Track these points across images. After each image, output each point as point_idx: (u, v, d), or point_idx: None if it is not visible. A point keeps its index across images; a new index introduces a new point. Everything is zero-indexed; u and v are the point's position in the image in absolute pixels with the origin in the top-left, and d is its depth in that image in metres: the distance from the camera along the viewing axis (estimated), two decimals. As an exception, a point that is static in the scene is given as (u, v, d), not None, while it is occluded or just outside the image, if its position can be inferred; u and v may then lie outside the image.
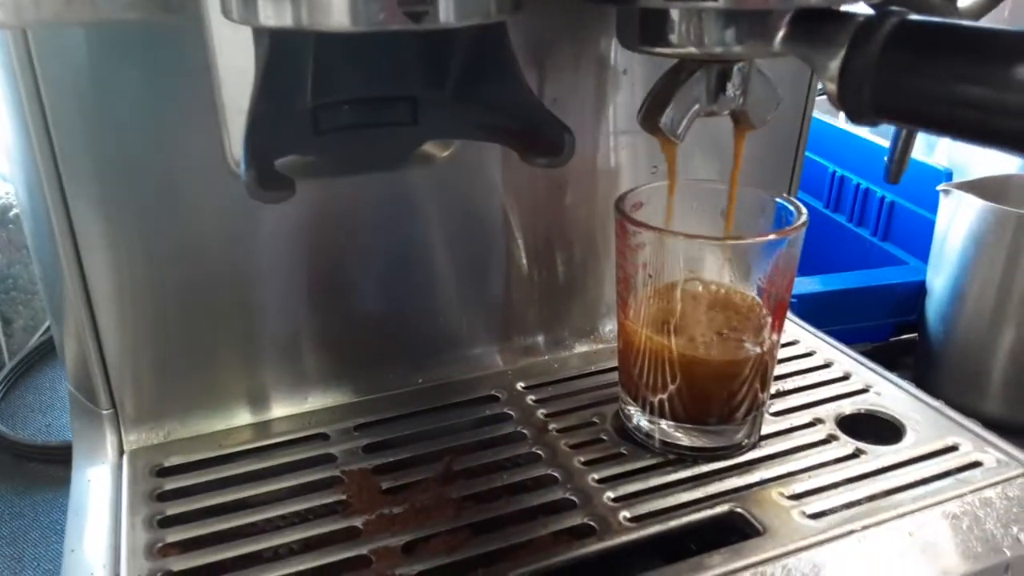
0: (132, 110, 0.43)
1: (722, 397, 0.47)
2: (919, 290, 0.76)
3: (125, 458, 0.49)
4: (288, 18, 0.31)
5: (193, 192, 0.46)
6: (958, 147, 0.89)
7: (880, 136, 0.90)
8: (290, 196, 0.35)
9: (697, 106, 0.42)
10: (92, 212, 0.45)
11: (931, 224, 0.74)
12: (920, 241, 0.81)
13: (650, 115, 0.42)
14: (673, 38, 0.39)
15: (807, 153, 0.86)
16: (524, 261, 0.57)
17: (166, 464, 0.48)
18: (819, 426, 0.51)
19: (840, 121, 0.96)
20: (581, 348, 0.60)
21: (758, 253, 0.46)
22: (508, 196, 0.54)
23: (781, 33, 0.36)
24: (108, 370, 0.48)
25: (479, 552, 0.41)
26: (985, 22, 0.32)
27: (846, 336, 0.63)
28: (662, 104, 0.41)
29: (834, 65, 0.33)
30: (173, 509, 0.44)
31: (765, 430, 0.50)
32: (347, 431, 0.51)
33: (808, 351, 0.60)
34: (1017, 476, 0.46)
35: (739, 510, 0.44)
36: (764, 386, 0.48)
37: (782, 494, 0.45)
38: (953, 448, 0.49)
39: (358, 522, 0.43)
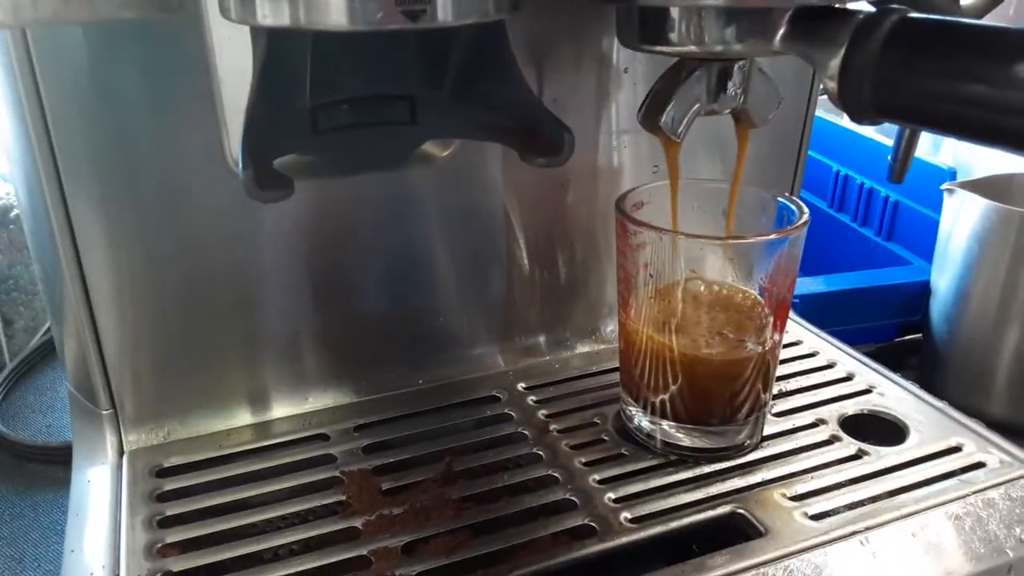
0: (131, 110, 0.43)
1: (724, 397, 0.47)
2: (923, 290, 0.75)
3: (125, 458, 0.49)
4: (286, 17, 0.31)
5: (192, 192, 0.46)
6: (963, 146, 0.89)
7: (884, 135, 0.90)
8: (288, 196, 0.35)
9: (698, 105, 0.42)
10: (91, 212, 0.45)
11: (936, 224, 0.73)
12: (924, 241, 0.80)
13: (650, 114, 0.42)
14: (673, 37, 0.39)
15: (810, 152, 0.86)
16: (525, 261, 0.57)
17: (166, 464, 0.48)
18: (822, 427, 0.51)
19: (844, 120, 0.96)
20: (582, 348, 0.60)
21: (759, 253, 0.46)
22: (509, 196, 0.54)
23: (781, 31, 0.36)
24: (108, 370, 0.48)
25: (479, 553, 0.41)
26: (990, 20, 0.32)
27: (850, 337, 0.63)
28: (662, 103, 0.41)
29: (834, 63, 0.33)
30: (173, 509, 0.44)
31: (767, 431, 0.50)
32: (347, 431, 0.51)
33: (811, 351, 0.59)
34: (1020, 477, 0.45)
35: (741, 511, 0.43)
36: (766, 386, 0.48)
37: (784, 495, 0.45)
38: (956, 449, 0.48)
39: (358, 523, 0.43)
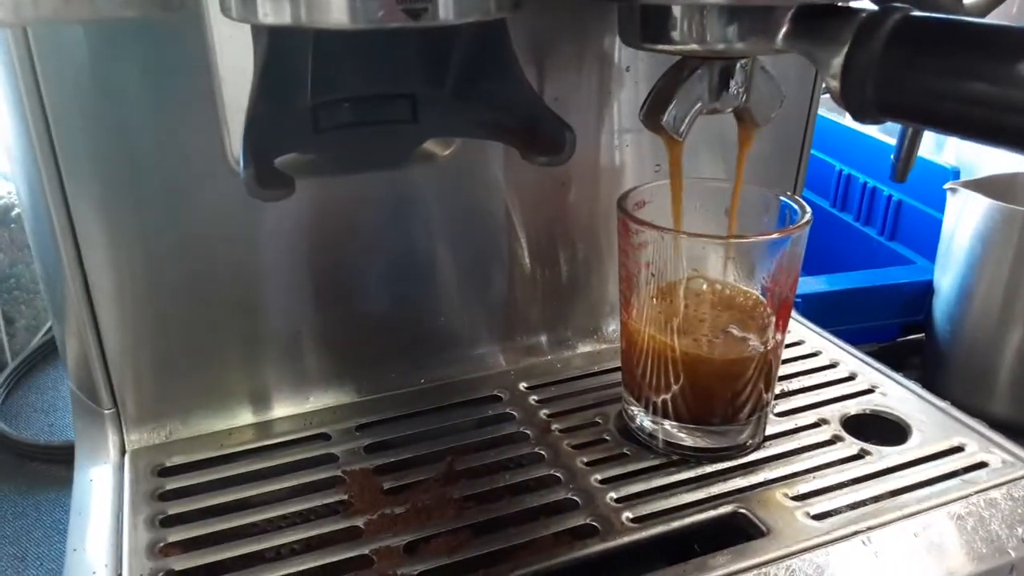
0: (132, 109, 0.43)
1: (726, 397, 0.47)
2: (926, 290, 0.75)
3: (127, 458, 0.49)
4: (287, 16, 0.31)
5: (193, 191, 0.46)
6: (966, 146, 0.88)
7: (887, 134, 0.90)
8: (289, 194, 0.35)
9: (699, 104, 0.42)
10: (93, 211, 0.45)
11: (939, 223, 0.73)
12: (928, 240, 0.80)
13: (652, 113, 0.42)
14: (675, 35, 0.38)
15: (813, 152, 0.86)
16: (527, 260, 0.57)
17: (168, 464, 0.48)
18: (824, 427, 0.50)
19: (846, 119, 0.96)
20: (584, 348, 0.60)
21: (761, 252, 0.46)
22: (510, 195, 0.54)
23: (784, 30, 0.36)
24: (110, 370, 0.48)
25: (481, 552, 0.41)
26: (995, 19, 0.32)
27: (853, 336, 0.62)
28: (664, 102, 0.41)
29: (837, 62, 0.32)
30: (175, 509, 0.44)
31: (770, 430, 0.50)
32: (349, 431, 0.51)
33: (813, 351, 0.59)
34: (1023, 477, 0.45)
35: (743, 511, 0.43)
36: (768, 386, 0.48)
37: (786, 495, 0.45)
38: (959, 449, 0.48)
39: (360, 522, 0.43)
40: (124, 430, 0.50)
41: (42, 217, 0.45)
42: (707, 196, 0.50)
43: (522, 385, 0.55)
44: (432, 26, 0.31)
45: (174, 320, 0.49)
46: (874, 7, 0.32)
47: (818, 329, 0.62)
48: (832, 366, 0.57)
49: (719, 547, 0.41)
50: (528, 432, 0.50)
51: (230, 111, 0.44)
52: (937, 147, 0.94)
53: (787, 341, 0.59)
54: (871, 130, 0.91)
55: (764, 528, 0.42)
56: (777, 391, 0.53)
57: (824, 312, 0.69)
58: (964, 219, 0.69)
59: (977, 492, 0.44)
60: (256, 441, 0.50)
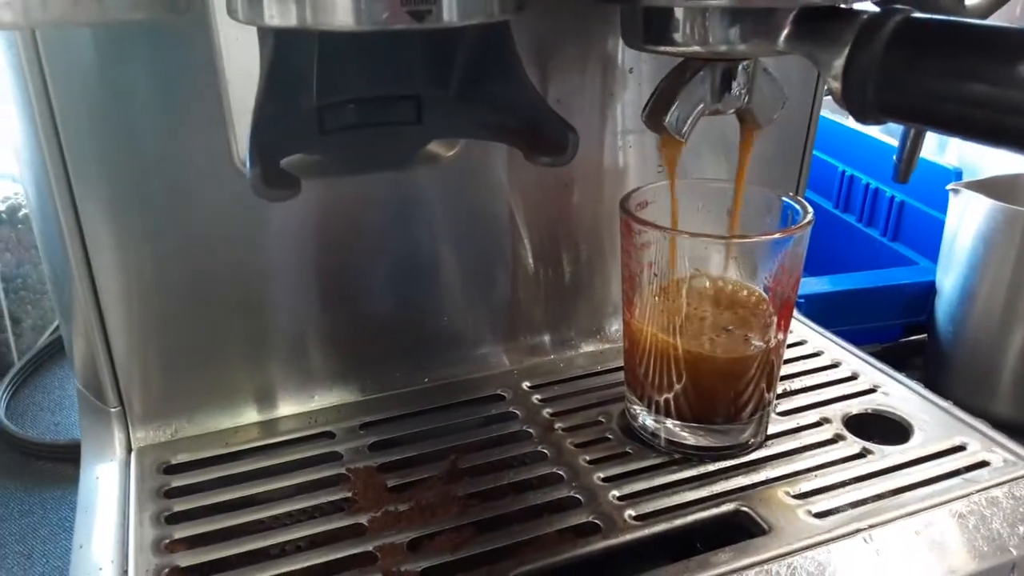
0: (139, 111, 0.44)
1: (728, 396, 0.47)
2: (928, 290, 0.75)
3: (133, 455, 0.49)
4: (293, 18, 0.31)
5: (200, 192, 0.47)
6: (969, 147, 0.89)
7: (889, 135, 0.90)
8: (295, 195, 0.36)
9: (702, 105, 0.42)
10: (100, 212, 0.45)
11: (941, 224, 0.73)
12: (930, 241, 0.80)
13: (654, 114, 0.42)
14: (677, 37, 0.39)
15: (816, 153, 0.86)
16: (530, 260, 0.57)
17: (174, 461, 0.48)
18: (826, 426, 0.51)
19: (849, 120, 0.96)
20: (587, 348, 0.60)
21: (763, 252, 0.46)
22: (514, 195, 0.54)
23: (785, 31, 0.36)
24: (116, 368, 0.49)
25: (484, 549, 0.41)
26: (997, 21, 0.32)
27: (855, 337, 0.63)
28: (666, 103, 0.42)
29: (838, 63, 0.33)
30: (180, 506, 0.45)
31: (772, 429, 0.50)
32: (353, 429, 0.51)
33: (816, 351, 0.60)
34: (1024, 476, 0.46)
35: (745, 509, 0.44)
36: (770, 385, 0.48)
37: (788, 493, 0.45)
38: (960, 448, 0.48)
39: (364, 519, 0.43)
40: (130, 428, 0.50)
41: (50, 218, 0.45)
42: (709, 197, 0.50)
43: (525, 384, 0.56)
44: (436, 28, 0.32)
45: (180, 319, 0.49)
46: (875, 9, 0.33)
47: (820, 329, 0.63)
48: (834, 366, 0.57)
49: (721, 545, 0.41)
50: (531, 431, 0.51)
51: (236, 112, 0.44)
52: (940, 148, 0.94)
53: (789, 341, 0.59)
54: (873, 131, 0.91)
55: (766, 526, 0.42)
56: (779, 390, 0.53)
57: (827, 312, 0.69)
58: (966, 220, 0.69)
59: (979, 491, 0.45)
60: (261, 439, 0.50)
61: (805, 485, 0.45)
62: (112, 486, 0.47)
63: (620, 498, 0.45)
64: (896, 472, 0.46)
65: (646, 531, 0.42)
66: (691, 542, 0.42)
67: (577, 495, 0.45)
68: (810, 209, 0.46)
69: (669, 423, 0.48)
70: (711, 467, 0.47)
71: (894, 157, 0.56)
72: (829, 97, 0.50)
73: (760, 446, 0.49)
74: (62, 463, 0.64)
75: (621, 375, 0.53)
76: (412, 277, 0.54)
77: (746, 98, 0.42)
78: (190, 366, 0.50)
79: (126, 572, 0.41)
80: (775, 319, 0.46)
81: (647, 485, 0.46)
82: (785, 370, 0.56)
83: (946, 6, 0.44)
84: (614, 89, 0.54)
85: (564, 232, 0.57)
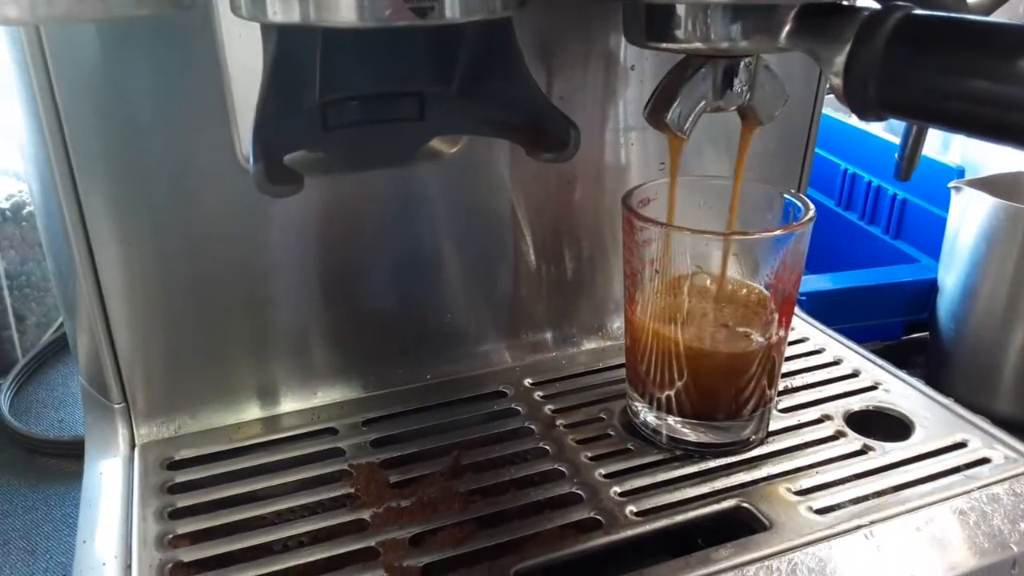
0: (143, 107, 0.44)
1: (729, 393, 0.47)
2: (930, 288, 0.75)
3: (136, 451, 0.49)
4: (296, 14, 0.31)
5: (203, 188, 0.47)
6: (972, 144, 0.89)
7: (891, 133, 0.90)
8: (298, 190, 0.36)
9: (704, 102, 0.42)
10: (104, 209, 0.45)
11: (943, 222, 0.73)
12: (932, 239, 0.80)
13: (656, 111, 0.42)
14: (679, 34, 0.39)
15: (818, 150, 0.86)
16: (532, 257, 0.57)
17: (177, 457, 0.49)
18: (827, 422, 0.51)
19: (851, 118, 0.96)
20: (589, 345, 0.61)
21: (765, 248, 0.46)
22: (516, 192, 0.54)
23: (787, 28, 0.36)
24: (120, 365, 0.49)
25: (486, 545, 0.41)
26: (1001, 18, 0.32)
27: (857, 335, 0.63)
28: (668, 100, 0.42)
29: (839, 60, 0.33)
30: (184, 501, 0.45)
31: (773, 426, 0.50)
32: (355, 426, 0.51)
33: (817, 348, 0.60)
34: (1025, 472, 0.46)
35: (746, 505, 0.44)
36: (771, 382, 0.48)
37: (789, 489, 0.45)
38: (961, 445, 0.48)
39: (366, 515, 0.43)
40: (134, 424, 0.50)
41: (54, 215, 0.45)
42: (711, 194, 0.50)
43: (527, 381, 0.56)
44: (438, 24, 0.32)
45: (184, 316, 0.49)
46: (877, 5, 0.33)
47: (822, 327, 0.63)
48: (836, 363, 0.58)
49: (722, 541, 0.41)
50: (533, 427, 0.51)
51: (239, 109, 0.45)
52: (943, 146, 0.94)
53: (791, 338, 0.59)
54: (876, 129, 0.91)
55: (767, 522, 0.42)
56: (781, 387, 0.54)
57: (828, 310, 0.69)
58: (968, 218, 0.69)
59: (980, 487, 0.45)
60: (264, 435, 0.51)
61: (806, 481, 0.45)
62: (116, 482, 0.47)
63: (621, 494, 0.45)
64: (897, 469, 0.46)
65: (647, 527, 0.42)
66: (692, 538, 0.43)
67: (578, 491, 0.45)
68: (811, 206, 0.46)
69: (670, 420, 0.48)
70: (712, 463, 0.47)
71: (896, 155, 0.56)
72: (831, 95, 0.50)
73: (761, 443, 0.49)
74: (66, 459, 0.64)
75: (623, 372, 0.53)
76: (414, 274, 0.54)
77: (748, 95, 0.43)
78: (194, 362, 0.51)
79: (130, 567, 0.41)
80: (776, 316, 0.46)
81: (648, 481, 0.46)
82: (786, 367, 0.56)
83: (948, 3, 0.44)
84: (616, 86, 0.54)
85: (566, 229, 0.57)
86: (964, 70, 0.29)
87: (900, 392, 0.54)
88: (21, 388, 0.73)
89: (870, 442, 0.49)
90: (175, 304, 0.49)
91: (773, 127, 0.47)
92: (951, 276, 0.72)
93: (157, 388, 0.50)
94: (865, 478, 0.46)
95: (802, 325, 0.63)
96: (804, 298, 0.73)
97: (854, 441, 0.49)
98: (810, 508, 0.43)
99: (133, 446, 0.50)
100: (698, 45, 0.39)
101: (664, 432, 0.49)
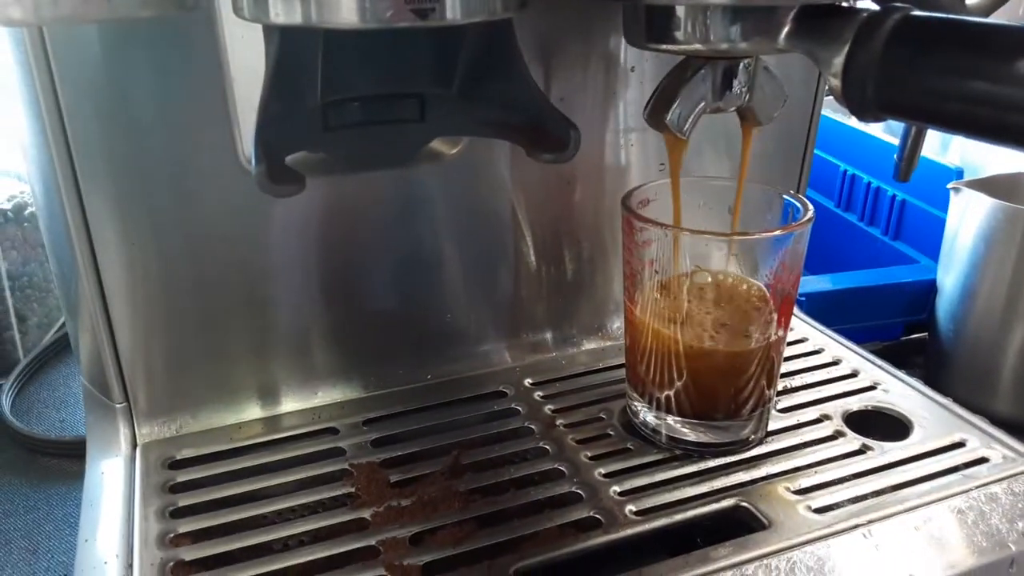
0: (146, 108, 0.44)
1: (728, 393, 0.47)
2: (929, 289, 0.76)
3: (138, 451, 0.49)
4: (298, 16, 0.32)
5: (205, 189, 0.47)
6: (971, 146, 0.89)
7: (891, 134, 0.90)
8: (300, 190, 0.36)
9: (703, 103, 0.42)
10: (107, 209, 0.46)
11: (942, 223, 0.74)
12: (931, 240, 0.80)
13: (656, 112, 0.42)
14: (679, 35, 0.39)
15: (817, 152, 0.86)
16: (532, 258, 0.57)
17: (178, 457, 0.49)
18: (826, 422, 0.51)
19: (851, 120, 0.96)
20: (589, 345, 0.61)
21: (764, 249, 0.47)
22: (516, 193, 0.55)
23: (786, 29, 0.37)
24: (122, 365, 0.49)
25: (486, 544, 0.42)
26: (1001, 20, 0.32)
27: (856, 335, 0.63)
28: (668, 101, 0.42)
29: (838, 61, 0.33)
30: (185, 500, 0.45)
31: (772, 426, 0.50)
32: (356, 426, 0.51)
33: (816, 348, 0.60)
34: (1023, 472, 0.46)
35: (745, 504, 0.44)
36: (770, 382, 0.48)
37: (788, 489, 0.45)
38: (960, 444, 0.49)
39: (366, 514, 0.44)
40: (135, 424, 0.50)
41: (57, 215, 0.46)
42: (711, 194, 0.50)
43: (527, 381, 0.56)
44: (439, 26, 0.32)
45: (185, 316, 0.49)
46: (875, 7, 0.33)
47: (821, 327, 0.63)
48: (835, 363, 0.58)
49: (721, 540, 0.41)
50: (533, 427, 0.51)
51: (241, 110, 0.45)
52: (942, 147, 0.94)
53: (790, 339, 0.60)
54: (875, 130, 0.92)
55: (766, 521, 0.43)
56: (780, 388, 0.54)
57: (828, 311, 0.69)
58: (967, 219, 0.69)
59: (978, 487, 0.45)
60: (265, 435, 0.51)
61: (805, 481, 0.46)
62: (117, 481, 0.47)
63: (621, 493, 0.45)
64: (895, 468, 0.47)
65: (646, 526, 0.42)
66: (691, 537, 0.43)
67: (578, 490, 0.45)
68: (810, 206, 0.46)
69: (670, 419, 0.48)
70: (711, 463, 0.47)
71: (895, 156, 0.56)
72: (830, 96, 0.50)
73: (760, 442, 0.49)
74: (67, 459, 0.64)
75: (622, 372, 0.53)
76: (415, 274, 0.54)
77: (747, 96, 0.43)
78: (195, 362, 0.51)
79: (131, 566, 0.41)
80: (775, 316, 0.47)
81: (648, 481, 0.46)
82: (786, 367, 0.56)
83: (946, 4, 0.44)
84: (616, 87, 0.54)
85: (566, 229, 0.57)
86: (963, 71, 0.29)
87: (899, 392, 0.54)
88: (23, 388, 0.73)
89: (869, 442, 0.49)
90: (177, 304, 0.49)
91: (772, 128, 0.47)
92: (950, 277, 0.72)
93: (158, 388, 0.50)
94: (864, 477, 0.46)
95: (801, 326, 0.63)
96: (804, 299, 0.73)
97: (853, 441, 0.49)
98: (809, 507, 0.43)
99: (134, 446, 0.50)
100: (697, 46, 0.39)
101: (663, 432, 0.49)
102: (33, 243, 0.75)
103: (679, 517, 0.43)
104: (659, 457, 0.48)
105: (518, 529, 0.42)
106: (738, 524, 0.43)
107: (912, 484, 0.45)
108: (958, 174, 0.79)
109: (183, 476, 0.47)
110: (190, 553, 0.41)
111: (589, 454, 0.48)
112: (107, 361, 0.49)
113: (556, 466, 0.47)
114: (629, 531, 0.42)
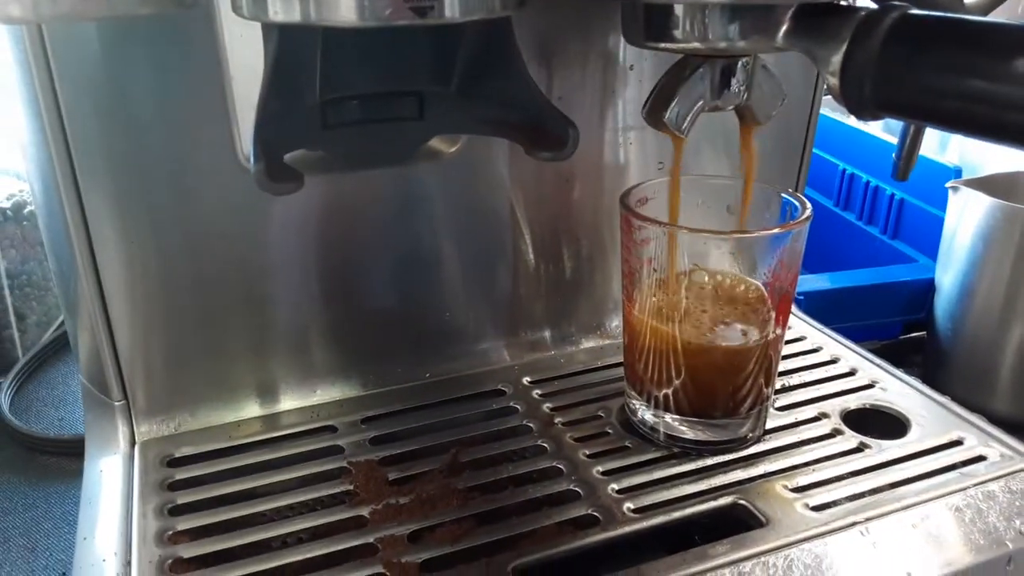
0: (145, 106, 0.44)
1: (726, 391, 0.47)
2: (928, 288, 0.76)
3: (136, 449, 0.49)
4: (296, 14, 0.32)
5: (204, 187, 0.47)
6: (970, 145, 0.89)
7: (890, 133, 0.90)
8: (299, 188, 0.36)
9: (701, 102, 0.42)
10: (106, 207, 0.46)
11: (941, 222, 0.74)
12: (930, 239, 0.80)
13: (654, 110, 0.42)
14: (677, 34, 0.39)
15: (816, 151, 0.86)
16: (531, 256, 0.57)
17: (177, 454, 0.49)
18: (824, 421, 0.51)
19: (850, 119, 0.96)
20: (587, 344, 0.61)
21: (762, 247, 0.47)
22: (515, 191, 0.55)
23: (784, 28, 0.37)
24: (120, 362, 0.49)
25: (484, 541, 0.42)
26: (1003, 18, 0.32)
27: (855, 334, 0.63)
28: (666, 99, 0.42)
29: (836, 59, 0.33)
30: (183, 498, 0.45)
31: (770, 424, 0.50)
32: (354, 424, 0.51)
33: (815, 347, 0.60)
34: (1021, 470, 0.46)
35: (742, 502, 0.44)
36: (768, 380, 0.48)
37: (786, 487, 0.45)
38: (958, 442, 0.49)
39: (365, 511, 0.44)
40: (134, 422, 0.50)
41: (56, 213, 0.46)
42: (709, 193, 0.50)
43: (526, 380, 0.56)
44: (438, 24, 0.32)
45: (184, 314, 0.50)
46: (873, 5, 0.33)
47: (820, 326, 0.63)
48: (833, 362, 0.58)
49: (719, 537, 0.41)
50: (531, 425, 0.51)
51: (240, 108, 0.45)
52: (941, 146, 0.94)
53: (789, 337, 0.60)
54: (874, 129, 0.92)
55: (763, 519, 0.43)
56: (778, 386, 0.54)
57: (827, 310, 0.69)
58: (966, 217, 0.69)
59: (975, 485, 0.45)
60: (264, 433, 0.51)
61: (803, 479, 0.46)
62: (116, 479, 0.47)
63: (619, 491, 0.45)
64: (893, 466, 0.47)
65: (644, 524, 0.43)
66: (689, 535, 0.43)
67: (576, 488, 0.45)
68: (808, 205, 0.46)
69: (668, 418, 0.48)
70: (709, 461, 0.47)
71: (894, 155, 0.56)
72: (829, 96, 0.50)
73: (758, 440, 0.49)
74: (66, 458, 0.64)
75: (621, 371, 0.53)
76: (414, 273, 0.54)
77: (745, 95, 0.43)
78: (194, 360, 0.51)
79: (129, 563, 0.41)
80: (773, 314, 0.47)
81: (646, 478, 0.46)
82: (784, 366, 0.56)
83: (945, 3, 0.44)
84: (615, 86, 0.54)
85: (565, 228, 0.57)
86: (960, 69, 0.29)
87: (897, 390, 0.54)
88: (21, 387, 0.73)
89: (866, 440, 0.49)
90: (175, 302, 0.49)
91: (771, 127, 0.47)
92: (948, 276, 0.72)
93: (157, 386, 0.50)
94: (861, 475, 0.46)
95: (800, 324, 0.63)
96: (802, 297, 0.73)
97: (851, 439, 0.49)
98: (806, 505, 0.44)
99: (133, 443, 0.50)
100: (696, 45, 0.39)
101: (662, 430, 0.49)
102: (32, 241, 0.75)
103: (677, 515, 0.43)
104: (657, 455, 0.48)
105: (516, 527, 0.42)
106: (736, 522, 0.43)
107: (909, 482, 0.45)
108: (957, 173, 0.79)
109: (182, 474, 0.47)
110: (188, 550, 0.41)
111: (587, 452, 0.48)
112: (106, 359, 0.49)
113: (554, 464, 0.47)
114: (627, 529, 0.42)
